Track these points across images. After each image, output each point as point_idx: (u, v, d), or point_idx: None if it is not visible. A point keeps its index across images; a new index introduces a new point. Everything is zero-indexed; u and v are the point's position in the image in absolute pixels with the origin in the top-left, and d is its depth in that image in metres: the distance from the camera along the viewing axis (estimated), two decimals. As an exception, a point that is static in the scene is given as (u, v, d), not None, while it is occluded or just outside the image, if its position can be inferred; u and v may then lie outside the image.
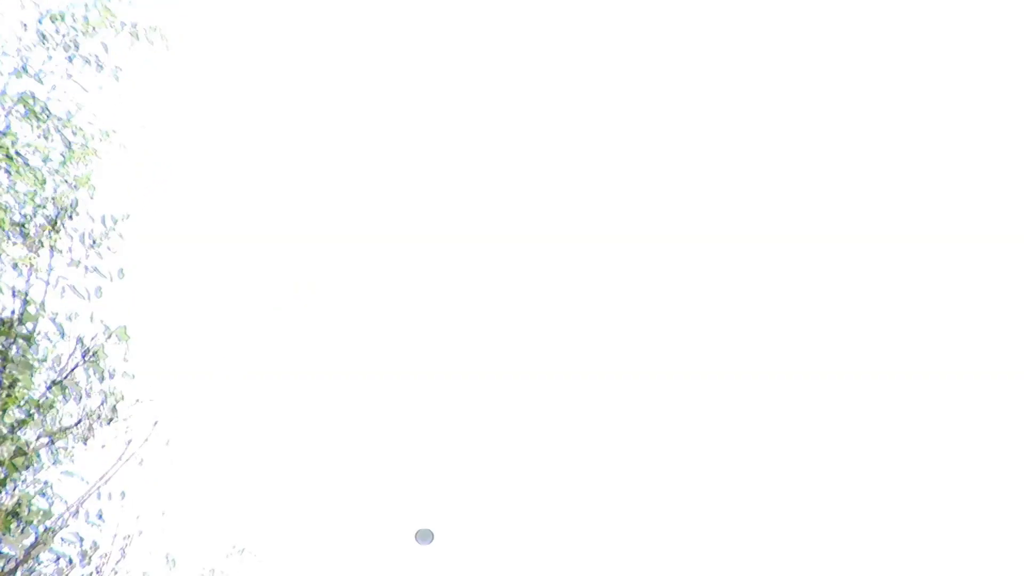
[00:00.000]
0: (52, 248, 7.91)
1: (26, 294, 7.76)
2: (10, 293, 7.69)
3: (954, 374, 13.07)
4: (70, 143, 8.26)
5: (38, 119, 8.08)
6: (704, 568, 12.73)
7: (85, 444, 8.05)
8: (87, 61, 8.49)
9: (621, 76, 12.35)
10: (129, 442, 7.82)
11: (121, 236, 8.30)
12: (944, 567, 12.48)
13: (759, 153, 12.64)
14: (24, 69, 8.26)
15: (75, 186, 8.10)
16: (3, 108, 7.89)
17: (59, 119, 8.18)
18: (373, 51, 11.75)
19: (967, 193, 12.78)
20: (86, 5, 8.51)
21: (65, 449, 7.84)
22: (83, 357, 7.94)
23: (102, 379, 7.94)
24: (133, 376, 8.17)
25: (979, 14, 12.09)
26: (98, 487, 7.90)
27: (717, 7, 12.34)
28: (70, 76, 8.40)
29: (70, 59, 8.41)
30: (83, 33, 8.52)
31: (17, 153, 7.99)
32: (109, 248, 8.18)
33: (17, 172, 7.90)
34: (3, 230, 7.75)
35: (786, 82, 12.51)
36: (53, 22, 8.36)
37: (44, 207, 7.98)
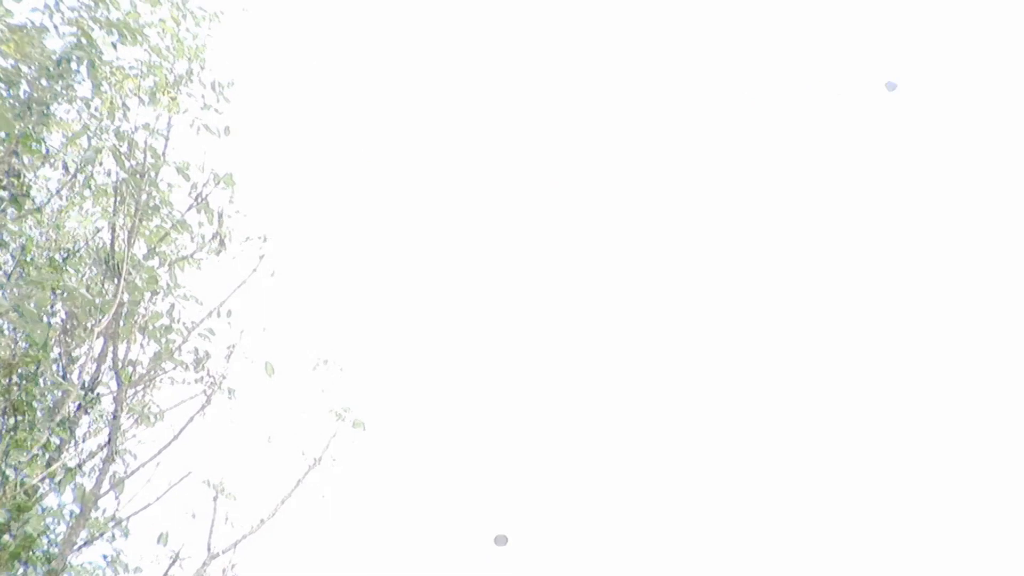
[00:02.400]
0: (170, 113, 9.26)
1: (153, 148, 9.02)
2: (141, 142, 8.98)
3: (954, 374, 12.85)
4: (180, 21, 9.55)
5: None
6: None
7: (199, 268, 9.40)
8: None
9: (620, 79, 12.73)
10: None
11: (228, 100, 9.61)
12: (944, 567, 12.37)
13: (761, 154, 12.78)
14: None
15: (189, 58, 9.44)
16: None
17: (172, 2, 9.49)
18: (377, 49, 12.52)
19: (967, 193, 12.51)
20: None
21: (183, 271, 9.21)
22: (195, 200, 9.29)
23: (210, 220, 9.25)
24: (244, 216, 9.47)
25: (979, 15, 11.85)
26: (214, 310, 9.22)
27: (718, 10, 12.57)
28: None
29: None
30: None
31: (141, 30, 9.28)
32: (217, 111, 9.50)
33: (137, 43, 9.15)
34: (138, 96, 9.12)
35: (785, 85, 12.61)
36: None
37: (166, 76, 9.31)
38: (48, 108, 7.10)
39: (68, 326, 8.04)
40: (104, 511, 7.78)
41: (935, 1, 12.18)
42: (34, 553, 7.99)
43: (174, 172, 9.13)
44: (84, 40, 7.36)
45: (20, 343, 7.63)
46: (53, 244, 8.80)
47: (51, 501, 7.73)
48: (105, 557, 8.73)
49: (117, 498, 7.76)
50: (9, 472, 7.13)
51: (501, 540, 12.44)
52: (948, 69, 12.55)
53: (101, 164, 8.58)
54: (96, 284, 8.13)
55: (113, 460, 7.66)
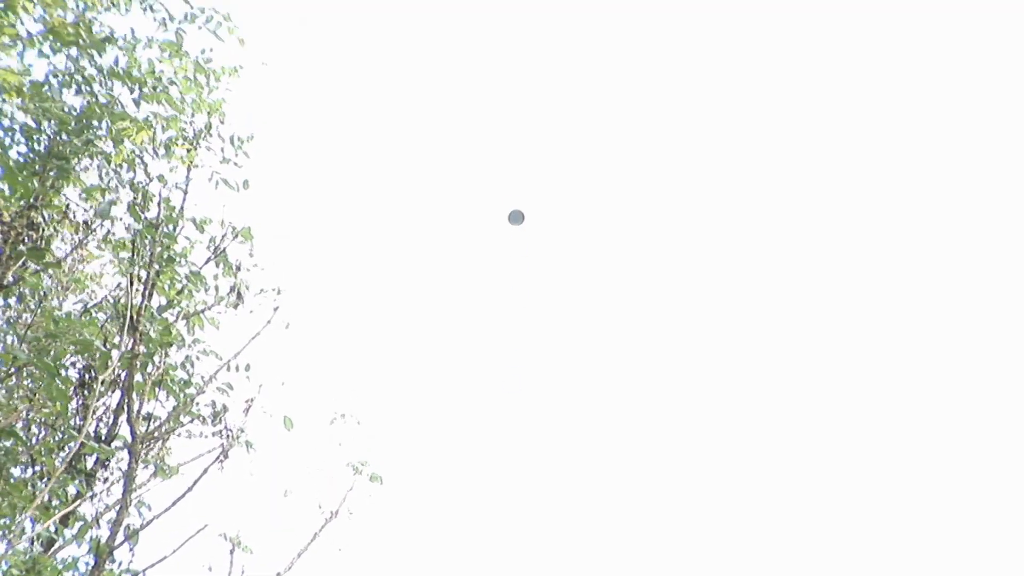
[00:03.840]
0: (188, 166, 9.38)
1: (168, 200, 9.13)
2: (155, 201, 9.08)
3: (953, 373, 12.82)
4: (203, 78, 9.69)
5: (179, 59, 9.60)
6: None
7: (218, 329, 9.47)
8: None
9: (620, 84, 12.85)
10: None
11: (247, 155, 9.73)
12: (944, 567, 12.24)
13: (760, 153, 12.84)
14: (170, 18, 9.72)
15: (208, 112, 9.58)
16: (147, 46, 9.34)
17: (192, 59, 9.66)
18: (400, 103, 12.67)
19: (967, 193, 12.54)
20: None
21: (202, 329, 9.27)
22: (213, 254, 9.37)
23: (228, 273, 9.32)
24: (263, 269, 9.54)
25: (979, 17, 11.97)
26: (228, 363, 9.25)
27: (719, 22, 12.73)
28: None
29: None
30: None
31: (163, 86, 9.43)
32: (236, 164, 9.62)
33: (157, 99, 9.29)
34: (154, 149, 9.24)
35: (783, 85, 12.71)
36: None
37: (184, 130, 9.45)
38: (68, 162, 7.21)
39: (85, 378, 8.08)
40: (119, 563, 7.76)
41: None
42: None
43: (192, 226, 9.25)
44: (98, 101, 7.50)
45: (38, 395, 7.69)
46: (70, 296, 8.89)
47: (66, 552, 7.72)
48: (120, 611, 8.69)
49: (132, 550, 7.74)
50: (26, 523, 7.14)
51: (516, 217, 11.90)
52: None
53: (120, 219, 8.68)
54: (112, 336, 8.19)
55: (128, 512, 7.65)
